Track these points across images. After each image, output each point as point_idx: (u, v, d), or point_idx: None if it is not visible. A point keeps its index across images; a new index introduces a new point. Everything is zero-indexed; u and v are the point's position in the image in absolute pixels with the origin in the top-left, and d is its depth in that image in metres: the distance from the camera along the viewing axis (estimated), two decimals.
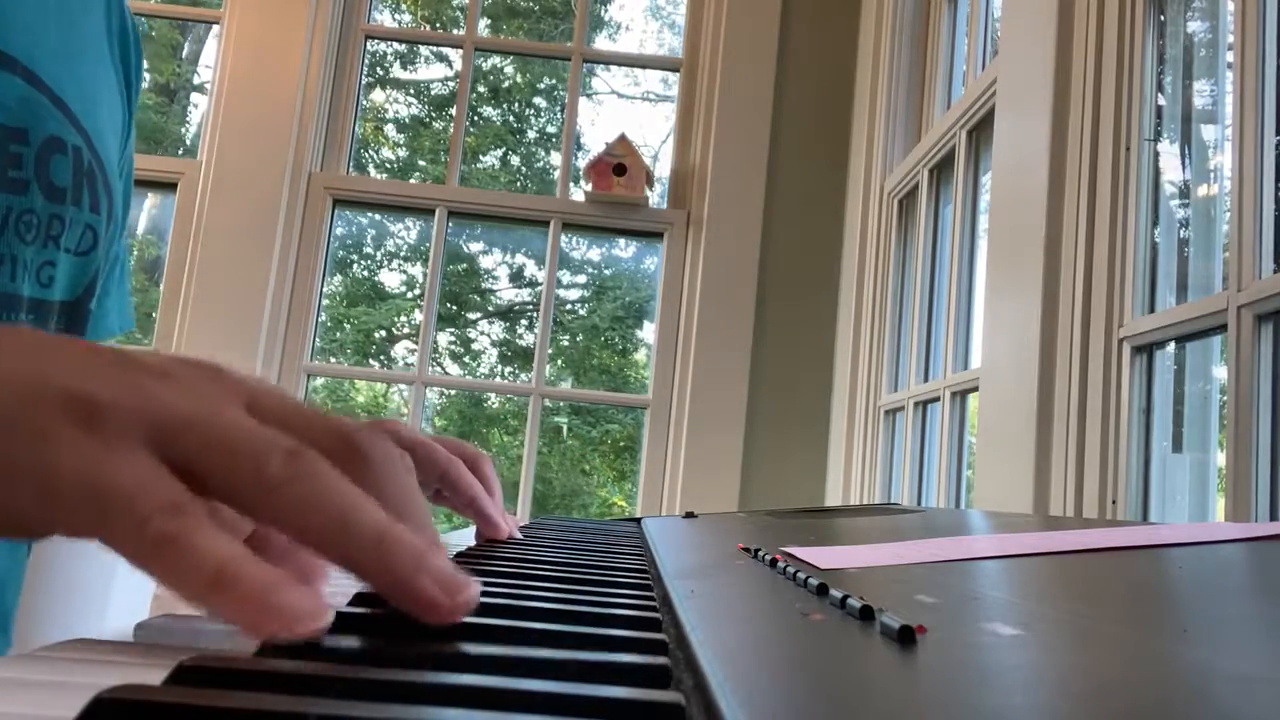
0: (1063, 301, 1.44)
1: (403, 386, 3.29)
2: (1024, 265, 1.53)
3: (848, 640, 0.24)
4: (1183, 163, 1.43)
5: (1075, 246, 1.43)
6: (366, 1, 2.98)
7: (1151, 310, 1.37)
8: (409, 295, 3.70)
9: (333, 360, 3.43)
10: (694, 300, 2.70)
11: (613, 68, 3.66)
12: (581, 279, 3.83)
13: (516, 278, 3.82)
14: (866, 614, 0.27)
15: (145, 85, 3.77)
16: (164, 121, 3.74)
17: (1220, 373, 1.28)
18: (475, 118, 3.94)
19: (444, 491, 0.51)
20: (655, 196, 2.87)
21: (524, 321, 3.90)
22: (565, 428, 3.91)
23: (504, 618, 0.28)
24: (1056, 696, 0.19)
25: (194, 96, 3.70)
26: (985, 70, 1.96)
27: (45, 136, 0.55)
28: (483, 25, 3.37)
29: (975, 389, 1.84)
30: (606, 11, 3.72)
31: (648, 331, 3.16)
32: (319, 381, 3.29)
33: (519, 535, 0.58)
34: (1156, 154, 1.41)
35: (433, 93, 4.05)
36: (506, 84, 4.13)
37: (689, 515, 0.97)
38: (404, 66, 4.04)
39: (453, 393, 3.86)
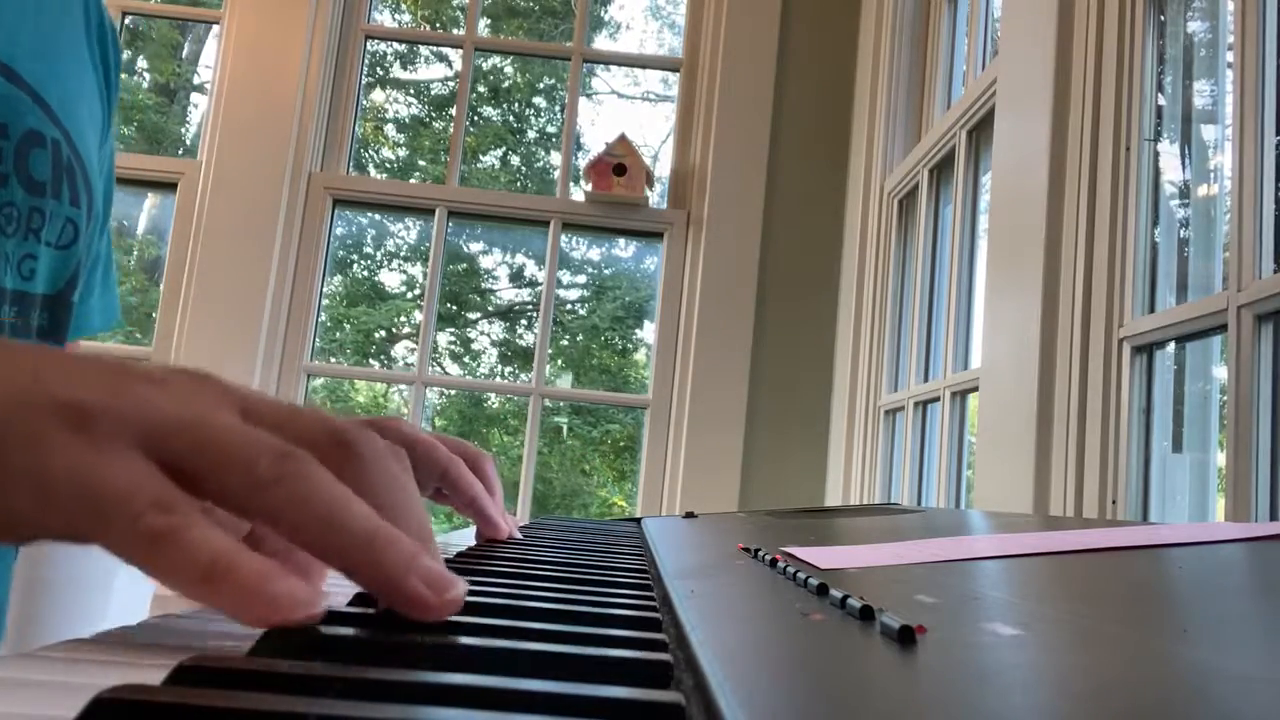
0: (1063, 301, 1.44)
1: (403, 386, 3.29)
2: (1024, 265, 1.53)
3: (848, 640, 0.24)
4: (1183, 163, 1.43)
5: (1075, 246, 1.43)
6: (366, 1, 2.98)
7: (1151, 310, 1.37)
8: (409, 295, 3.70)
9: (333, 360, 3.43)
10: (694, 300, 2.70)
11: (613, 68, 3.66)
12: (581, 279, 3.83)
13: (516, 278, 3.82)
14: (866, 614, 0.27)
15: (145, 85, 3.76)
16: (164, 121, 3.74)
17: (1220, 373, 1.28)
18: (475, 118, 3.94)
19: (444, 490, 0.51)
20: (655, 196, 2.87)
21: (524, 321, 3.90)
22: (565, 428, 3.91)
23: (504, 618, 0.28)
24: (1056, 696, 0.19)
25: (194, 96, 3.70)
26: (985, 70, 1.96)
27: (24, 131, 0.55)
28: (483, 25, 3.37)
29: (975, 389, 1.84)
30: (606, 11, 3.72)
31: (648, 331, 3.16)
32: (319, 381, 3.29)
33: (519, 535, 0.58)
34: (1156, 154, 1.41)
35: (433, 93, 4.05)
36: (506, 84, 4.13)
37: (689, 515, 0.97)
38: (404, 66, 4.04)
39: (453, 393, 3.86)
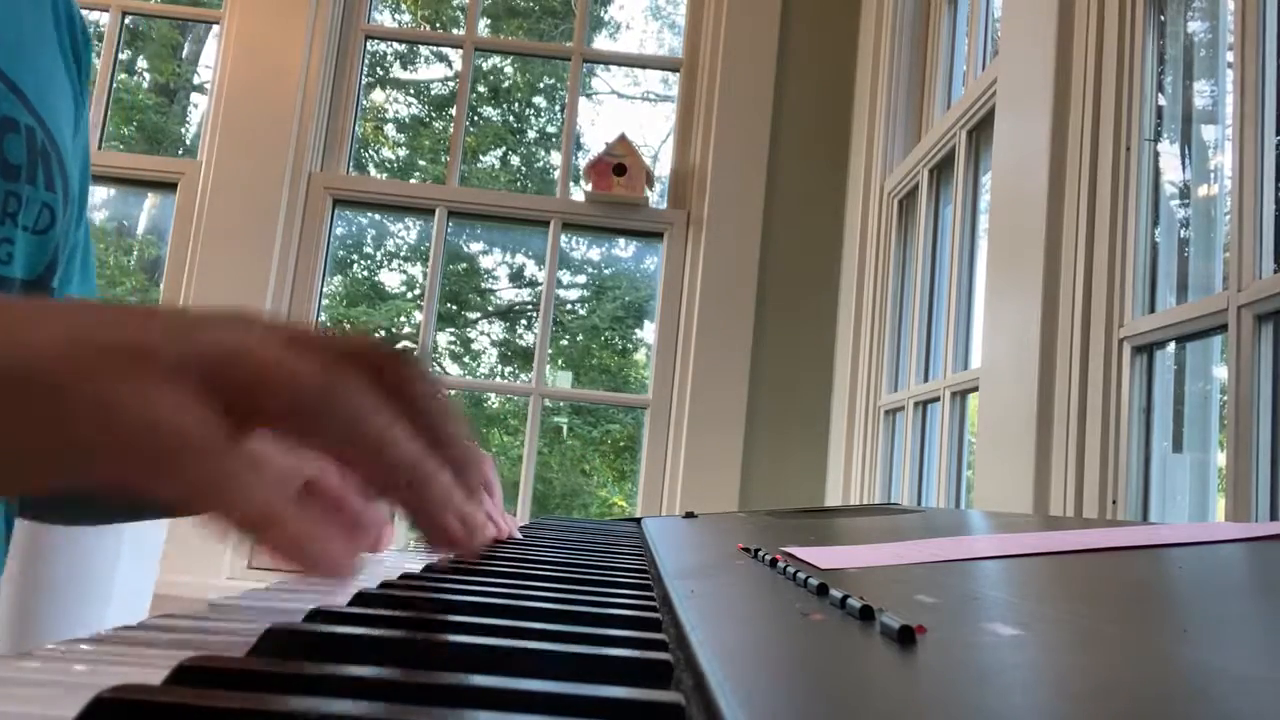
0: (1063, 302, 1.44)
1: None
2: (1024, 265, 1.53)
3: (848, 640, 0.24)
4: (1183, 163, 1.43)
5: (1075, 246, 1.43)
6: (366, 1, 2.98)
7: (1152, 310, 1.37)
8: (409, 295, 3.70)
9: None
10: (694, 300, 2.70)
11: (613, 68, 3.66)
12: (581, 279, 3.83)
13: (516, 278, 3.82)
14: (866, 614, 0.27)
15: (145, 85, 3.76)
16: (164, 121, 3.74)
17: (1220, 373, 1.28)
18: (475, 118, 3.94)
19: None
20: (655, 196, 2.87)
21: (524, 321, 3.90)
22: (565, 428, 3.91)
23: (504, 617, 0.28)
24: (1056, 696, 0.19)
25: (194, 96, 3.70)
26: (985, 70, 1.96)
27: None
28: (483, 25, 3.37)
29: (975, 389, 1.84)
30: (606, 11, 3.72)
31: (648, 331, 3.16)
32: None
33: (519, 535, 0.58)
34: (1156, 154, 1.41)
35: (433, 93, 4.05)
36: (506, 84, 4.13)
37: (689, 515, 0.97)
38: (404, 66, 4.04)
39: (452, 393, 3.86)
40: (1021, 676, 0.20)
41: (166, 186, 2.85)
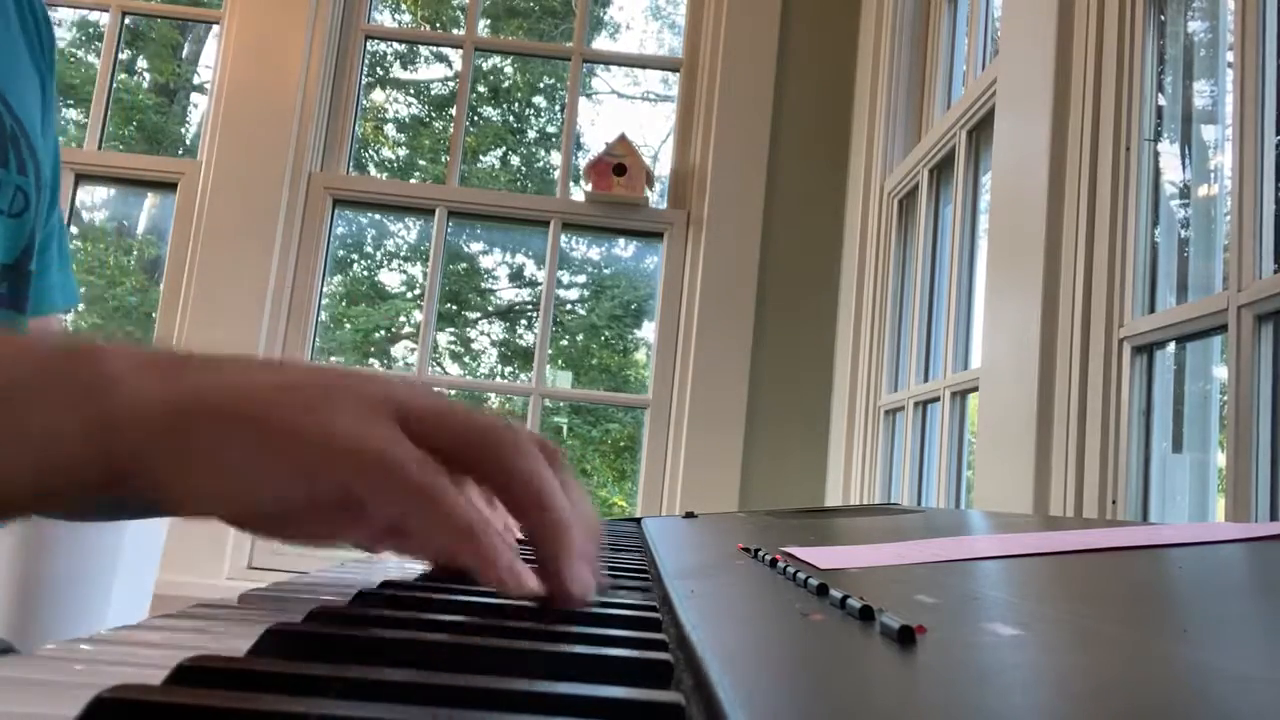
0: (1063, 302, 1.44)
1: None
2: (1024, 265, 1.53)
3: (848, 640, 0.24)
4: (1183, 163, 1.43)
5: (1075, 246, 1.43)
6: (366, 1, 2.98)
7: (1151, 310, 1.37)
8: (409, 295, 3.70)
9: (333, 360, 3.43)
10: (694, 300, 2.70)
11: (613, 68, 3.66)
12: (581, 279, 3.83)
13: (516, 277, 3.82)
14: (866, 614, 0.27)
15: (145, 85, 3.75)
16: (164, 121, 3.74)
17: (1220, 373, 1.28)
18: (475, 118, 3.94)
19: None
20: (655, 196, 2.87)
21: (524, 321, 3.90)
22: (565, 427, 3.91)
23: (504, 617, 0.28)
24: (1056, 697, 0.19)
25: (194, 96, 3.70)
26: (985, 70, 1.96)
27: None
28: (483, 25, 3.37)
29: (975, 389, 1.84)
30: (606, 11, 3.72)
31: (647, 331, 3.16)
32: None
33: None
34: (1156, 154, 1.41)
35: (433, 93, 4.05)
36: (506, 84, 4.13)
37: (689, 515, 0.97)
38: (404, 66, 4.04)
39: (453, 392, 3.86)
40: (1021, 677, 0.20)
41: (166, 186, 2.85)
